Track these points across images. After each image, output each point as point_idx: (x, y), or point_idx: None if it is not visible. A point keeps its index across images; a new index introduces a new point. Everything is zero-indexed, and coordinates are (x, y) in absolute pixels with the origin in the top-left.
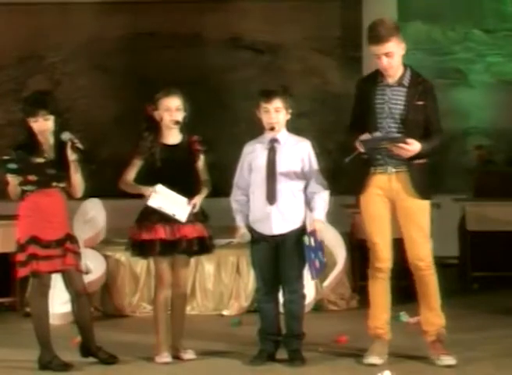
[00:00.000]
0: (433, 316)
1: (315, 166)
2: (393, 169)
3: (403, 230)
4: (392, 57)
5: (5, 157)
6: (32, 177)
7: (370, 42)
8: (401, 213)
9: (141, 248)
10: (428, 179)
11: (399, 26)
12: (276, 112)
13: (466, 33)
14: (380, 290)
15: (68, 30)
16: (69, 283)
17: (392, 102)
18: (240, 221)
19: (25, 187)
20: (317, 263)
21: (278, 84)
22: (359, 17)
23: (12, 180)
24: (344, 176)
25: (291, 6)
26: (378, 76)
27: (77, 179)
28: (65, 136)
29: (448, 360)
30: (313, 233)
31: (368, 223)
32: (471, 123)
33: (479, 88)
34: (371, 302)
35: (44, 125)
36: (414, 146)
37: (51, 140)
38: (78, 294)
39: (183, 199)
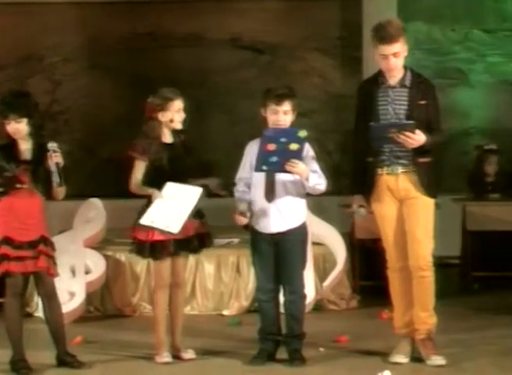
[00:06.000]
0: (426, 316)
1: (314, 162)
2: (400, 170)
3: (407, 228)
4: (398, 57)
5: None
6: None
7: (379, 42)
8: (407, 212)
9: (152, 249)
10: (434, 177)
11: (404, 27)
12: (285, 115)
13: (466, 33)
14: (399, 290)
15: (68, 30)
16: (40, 285)
17: (396, 103)
18: (239, 207)
19: None
20: (274, 158)
21: (282, 85)
22: (359, 17)
23: None
24: (344, 176)
25: (291, 6)
26: (379, 78)
27: (54, 184)
28: (50, 145)
29: (438, 360)
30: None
31: (381, 225)
32: (471, 123)
33: (479, 88)
34: (392, 303)
35: (15, 128)
36: (420, 136)
37: (28, 142)
38: (48, 297)
39: (196, 189)
